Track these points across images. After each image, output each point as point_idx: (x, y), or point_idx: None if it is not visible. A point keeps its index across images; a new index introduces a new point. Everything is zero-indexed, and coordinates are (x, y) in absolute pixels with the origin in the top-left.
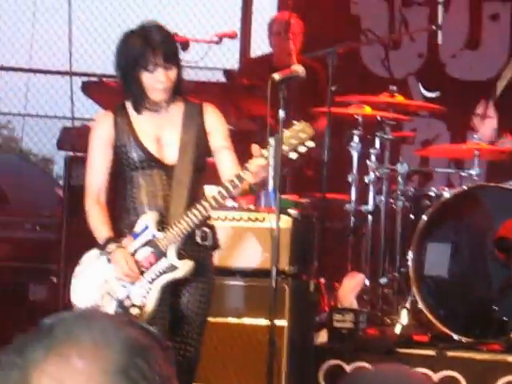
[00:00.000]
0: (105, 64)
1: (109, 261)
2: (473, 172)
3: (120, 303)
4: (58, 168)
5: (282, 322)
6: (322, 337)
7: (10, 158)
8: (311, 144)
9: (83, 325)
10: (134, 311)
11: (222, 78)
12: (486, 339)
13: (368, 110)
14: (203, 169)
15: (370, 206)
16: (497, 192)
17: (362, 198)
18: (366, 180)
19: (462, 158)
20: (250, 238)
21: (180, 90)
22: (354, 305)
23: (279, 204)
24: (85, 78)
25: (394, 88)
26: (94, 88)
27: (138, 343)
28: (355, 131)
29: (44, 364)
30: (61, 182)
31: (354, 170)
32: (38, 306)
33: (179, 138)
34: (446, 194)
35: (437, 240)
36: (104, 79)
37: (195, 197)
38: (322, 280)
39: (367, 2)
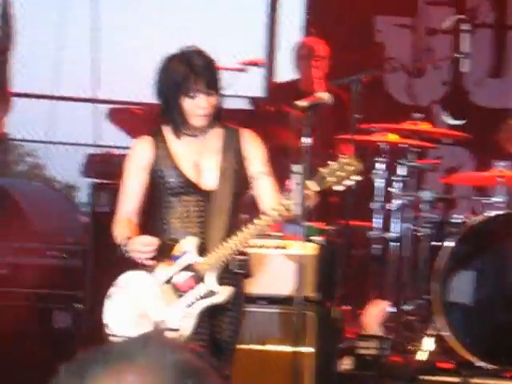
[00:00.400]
0: (128, 91)
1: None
2: (496, 199)
3: (156, 326)
4: (81, 195)
5: (307, 349)
6: (346, 364)
7: (35, 185)
8: (358, 178)
9: (139, 346)
10: (170, 335)
11: (247, 106)
12: (511, 366)
13: (392, 137)
14: (242, 194)
15: (394, 233)
16: None
17: (386, 226)
18: (390, 207)
19: (486, 186)
20: (275, 265)
21: (219, 116)
22: (378, 332)
23: (305, 231)
24: (109, 105)
25: (418, 115)
26: (120, 115)
27: (191, 366)
28: (379, 158)
29: (101, 380)
30: (84, 209)
31: (378, 197)
32: (62, 333)
33: (218, 163)
34: (471, 221)
35: (462, 267)
36: (129, 106)
37: (234, 223)
38: (347, 307)
39: (391, 30)
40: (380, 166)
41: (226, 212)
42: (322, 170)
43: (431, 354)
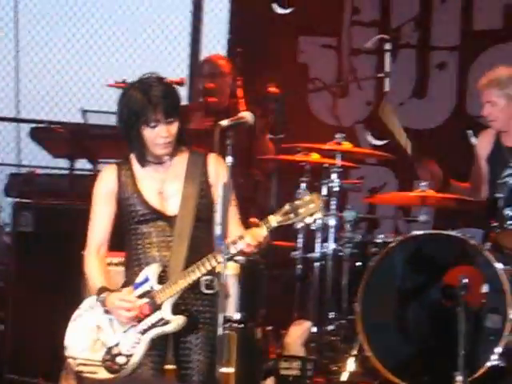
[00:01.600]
0: (52, 110)
1: (105, 311)
2: (420, 219)
3: (109, 350)
4: (4, 215)
5: (228, 370)
6: None
7: None
8: (319, 216)
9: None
10: (121, 360)
11: None
12: None
13: (315, 157)
14: (207, 220)
15: (317, 254)
16: (443, 239)
17: (309, 246)
18: (313, 227)
19: (410, 206)
20: None
21: (184, 141)
22: (301, 352)
23: (226, 251)
24: (31, 125)
25: (341, 135)
26: (43, 134)
27: None
28: (302, 178)
29: None
30: (8, 229)
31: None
32: None
33: (181, 189)
34: (394, 240)
35: (382, 287)
36: (51, 125)
37: (197, 249)
38: (269, 327)
39: (315, 51)
40: (303, 186)
41: (186, 238)
42: (285, 206)
43: (354, 374)
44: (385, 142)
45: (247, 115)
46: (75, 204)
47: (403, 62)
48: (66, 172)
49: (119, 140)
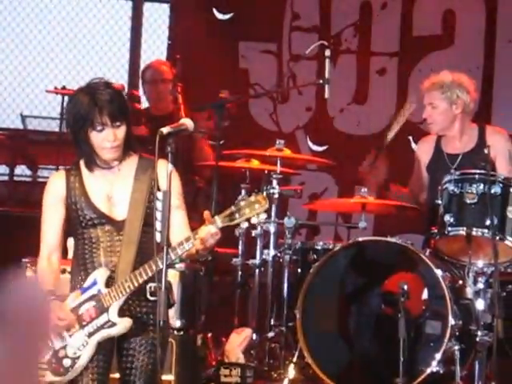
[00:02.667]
0: None
1: None
2: (360, 226)
3: (55, 353)
4: None
5: (167, 377)
6: None
7: None
8: (264, 216)
9: None
10: (67, 363)
11: None
12: None
13: (256, 163)
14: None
15: (258, 260)
16: (384, 246)
17: (250, 252)
18: (254, 234)
19: (350, 212)
20: None
21: (132, 146)
22: (241, 359)
23: (166, 258)
24: None
25: (282, 142)
26: None
27: None
28: (242, 185)
29: None
30: None
31: (242, 224)
32: None
33: (130, 194)
34: (334, 247)
35: (323, 294)
36: None
37: (145, 254)
38: (209, 334)
39: (255, 57)
40: (244, 193)
41: (135, 243)
42: (231, 207)
43: (294, 381)
44: (324, 147)
45: (187, 122)
46: (14, 211)
47: (343, 68)
48: (6, 178)
49: (59, 146)
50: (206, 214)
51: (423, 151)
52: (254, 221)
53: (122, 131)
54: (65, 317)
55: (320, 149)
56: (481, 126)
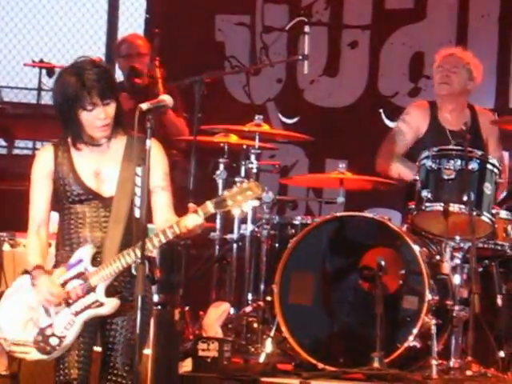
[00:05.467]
0: None
1: (33, 286)
2: (338, 201)
3: (41, 331)
4: None
5: (146, 351)
6: (187, 366)
7: None
8: (256, 203)
9: None
10: (54, 341)
11: None
12: (350, 368)
13: (233, 138)
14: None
15: (235, 235)
16: (361, 221)
17: (228, 227)
18: None
19: (322, 187)
20: None
21: (121, 123)
22: (219, 334)
23: (146, 233)
24: None
25: (261, 117)
26: None
27: None
28: (220, 160)
29: None
30: None
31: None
32: None
33: (118, 171)
34: (311, 222)
35: (301, 268)
36: None
37: (132, 232)
38: (187, 308)
39: (231, 29)
40: (222, 167)
41: (122, 221)
42: (223, 193)
43: (272, 355)
44: (295, 119)
45: (167, 98)
46: None
47: (315, 40)
48: None
49: (36, 119)
50: (191, 205)
51: (418, 117)
52: (245, 208)
53: (112, 108)
54: (58, 293)
55: (290, 121)
56: (470, 105)
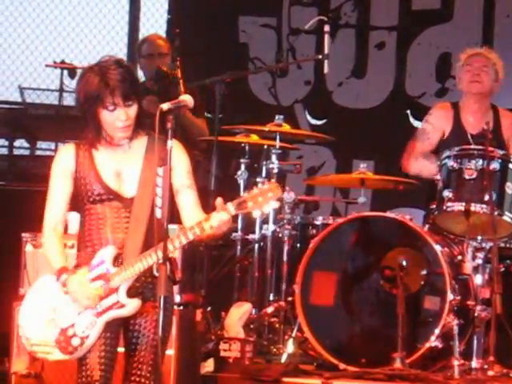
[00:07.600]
0: None
1: (63, 292)
2: (359, 201)
3: (63, 331)
4: None
5: (169, 351)
6: (209, 366)
7: None
8: (276, 204)
9: None
10: (76, 342)
11: None
12: (371, 368)
13: (255, 138)
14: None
15: (257, 235)
16: (383, 221)
17: (249, 227)
18: None
19: (348, 187)
20: None
21: (142, 124)
22: (241, 334)
23: (167, 234)
24: None
25: (281, 117)
26: None
27: None
28: (242, 160)
29: None
30: None
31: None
32: None
33: (139, 172)
34: (334, 222)
35: (322, 269)
36: None
37: (154, 233)
38: (209, 309)
39: (255, 31)
40: (244, 168)
41: (144, 222)
42: (244, 194)
43: (293, 356)
44: (323, 121)
45: (187, 98)
46: (13, 185)
47: (342, 42)
48: (5, 152)
49: (58, 120)
50: (219, 201)
51: (442, 118)
52: (266, 209)
53: (133, 110)
54: (93, 295)
55: (319, 122)
56: (493, 106)
